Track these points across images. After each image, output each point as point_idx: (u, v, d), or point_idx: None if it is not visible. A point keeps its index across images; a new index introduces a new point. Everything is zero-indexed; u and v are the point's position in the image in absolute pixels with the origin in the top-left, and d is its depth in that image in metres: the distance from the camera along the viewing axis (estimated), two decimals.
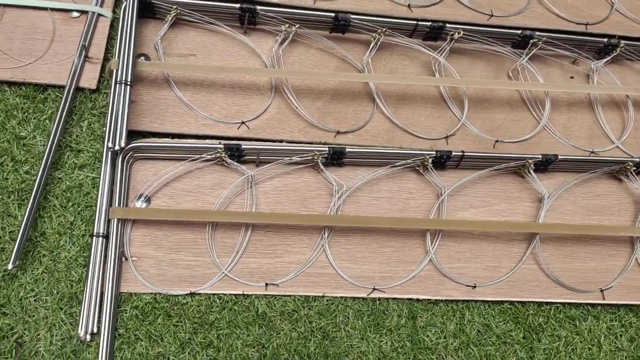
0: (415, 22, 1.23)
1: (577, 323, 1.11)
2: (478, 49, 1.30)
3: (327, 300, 1.05)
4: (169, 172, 1.07)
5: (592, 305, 1.12)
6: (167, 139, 1.11)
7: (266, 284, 1.04)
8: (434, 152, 1.12)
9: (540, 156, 1.15)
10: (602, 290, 1.11)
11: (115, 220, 1.01)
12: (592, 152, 1.26)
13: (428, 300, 1.08)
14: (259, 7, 1.18)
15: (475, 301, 1.09)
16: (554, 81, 1.33)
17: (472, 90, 1.28)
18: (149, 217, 1.04)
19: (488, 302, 1.10)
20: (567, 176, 1.20)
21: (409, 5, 1.30)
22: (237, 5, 1.18)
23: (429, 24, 1.24)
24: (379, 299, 1.07)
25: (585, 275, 1.13)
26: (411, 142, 1.21)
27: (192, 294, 1.02)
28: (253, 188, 1.10)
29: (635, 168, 1.18)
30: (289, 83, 1.19)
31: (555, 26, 1.34)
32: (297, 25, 1.21)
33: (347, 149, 1.10)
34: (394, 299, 1.07)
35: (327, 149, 1.09)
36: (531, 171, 1.16)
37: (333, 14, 1.21)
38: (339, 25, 1.22)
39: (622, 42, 1.32)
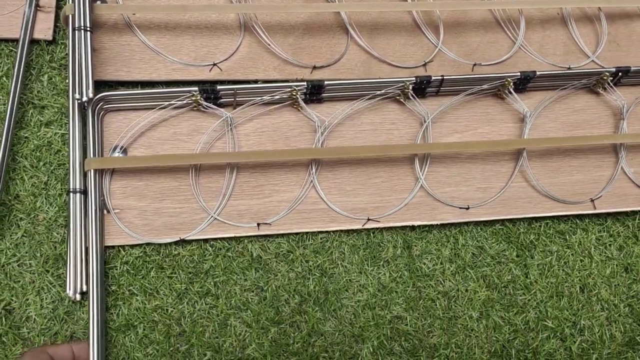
0: None
1: (567, 237, 1.12)
2: None
3: (321, 238, 1.03)
4: (143, 122, 1.02)
5: (580, 218, 1.14)
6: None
7: (258, 224, 1.01)
8: (414, 78, 1.09)
9: (519, 74, 1.13)
10: (592, 200, 1.12)
11: (92, 172, 0.95)
12: (569, 68, 1.25)
13: (422, 228, 1.07)
14: None
15: (468, 224, 1.09)
16: None
17: (446, 14, 1.25)
18: (127, 165, 0.99)
19: (480, 225, 1.10)
20: (545, 95, 1.19)
21: None
22: None
23: None
24: (373, 230, 1.05)
25: (574, 188, 1.13)
26: (389, 72, 1.18)
27: (182, 241, 0.98)
28: (233, 130, 1.06)
29: (611, 78, 1.18)
30: (259, 19, 1.14)
31: None
32: None
33: (326, 82, 1.06)
34: (388, 229, 1.06)
35: (305, 84, 1.05)
36: (511, 90, 1.14)
37: None
38: None
39: None
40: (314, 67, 1.14)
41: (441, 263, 1.06)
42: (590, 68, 1.25)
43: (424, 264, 1.05)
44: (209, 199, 1.02)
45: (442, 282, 1.05)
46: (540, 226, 1.12)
